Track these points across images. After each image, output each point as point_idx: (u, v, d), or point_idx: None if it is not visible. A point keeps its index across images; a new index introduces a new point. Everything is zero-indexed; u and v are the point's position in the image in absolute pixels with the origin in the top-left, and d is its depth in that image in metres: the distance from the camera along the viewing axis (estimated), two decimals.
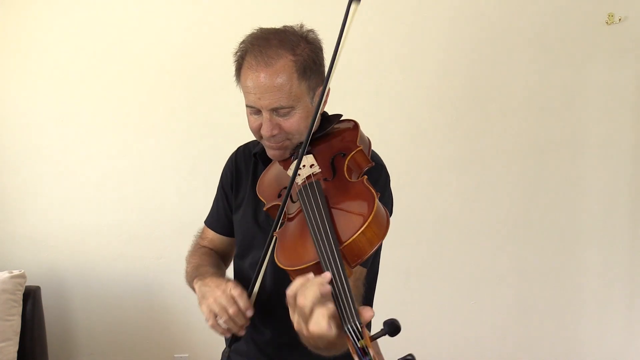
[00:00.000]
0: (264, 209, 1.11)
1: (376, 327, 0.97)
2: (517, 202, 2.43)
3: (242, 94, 1.19)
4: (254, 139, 1.31)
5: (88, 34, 2.39)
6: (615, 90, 2.36)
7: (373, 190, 0.91)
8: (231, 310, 1.04)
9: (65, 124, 2.42)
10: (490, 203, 2.44)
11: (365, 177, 0.98)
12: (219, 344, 1.35)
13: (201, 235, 1.43)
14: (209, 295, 1.08)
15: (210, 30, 2.36)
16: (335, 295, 0.77)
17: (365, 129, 1.20)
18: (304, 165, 1.07)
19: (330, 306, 0.75)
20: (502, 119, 2.40)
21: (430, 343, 2.48)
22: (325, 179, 1.02)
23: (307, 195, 0.97)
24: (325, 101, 1.18)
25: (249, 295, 1.07)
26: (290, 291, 0.80)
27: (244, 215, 1.29)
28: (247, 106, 1.16)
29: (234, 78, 1.18)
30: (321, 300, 0.75)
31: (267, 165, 1.25)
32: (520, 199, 2.43)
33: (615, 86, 2.36)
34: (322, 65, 1.17)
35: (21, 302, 2.09)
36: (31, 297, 2.14)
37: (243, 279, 1.29)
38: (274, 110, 1.11)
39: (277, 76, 1.08)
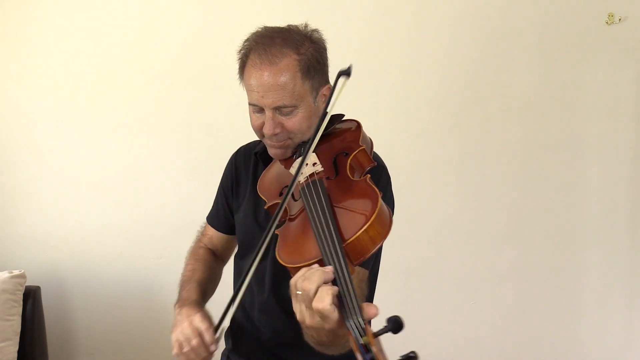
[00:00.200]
0: (265, 207, 1.11)
1: (378, 326, 0.97)
2: (517, 202, 2.43)
3: (242, 94, 1.19)
4: (255, 139, 1.31)
5: (88, 34, 2.39)
6: (615, 90, 2.36)
7: (376, 189, 0.91)
8: (194, 341, 1.06)
9: (65, 124, 2.42)
10: (490, 203, 2.43)
11: (368, 175, 0.98)
12: (220, 345, 1.35)
13: (203, 231, 1.45)
14: (178, 324, 1.12)
15: (211, 30, 2.36)
16: (338, 292, 0.77)
17: (365, 129, 1.20)
18: (306, 164, 1.07)
19: (335, 287, 0.76)
20: (502, 119, 2.40)
21: (430, 343, 2.48)
22: (327, 178, 1.02)
23: (309, 193, 0.97)
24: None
25: (217, 328, 1.08)
26: (294, 279, 0.80)
27: (244, 215, 1.29)
28: (249, 104, 1.16)
29: (237, 76, 1.18)
30: (325, 283, 0.76)
31: (268, 164, 1.25)
32: (520, 198, 2.43)
33: (615, 86, 2.36)
34: (325, 65, 1.18)
35: (21, 302, 2.09)
36: (31, 297, 2.14)
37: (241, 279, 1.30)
38: (277, 109, 1.12)
39: (281, 75, 1.09)
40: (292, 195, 1.02)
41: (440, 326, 2.49)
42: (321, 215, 0.89)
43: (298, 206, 1.00)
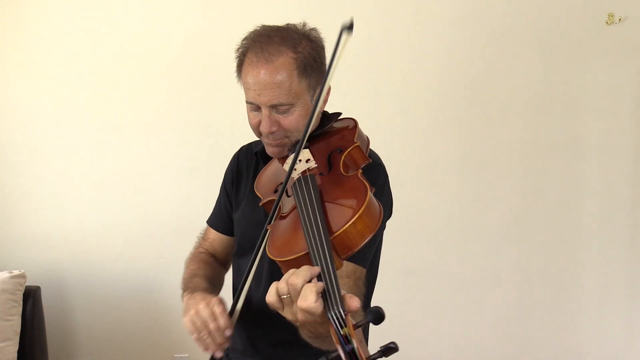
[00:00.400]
0: (260, 204, 1.12)
1: (378, 334, 0.97)
2: (517, 202, 2.43)
3: (242, 95, 1.19)
4: (255, 139, 1.31)
5: (88, 34, 2.39)
6: (615, 90, 2.36)
7: (367, 183, 0.91)
8: (212, 325, 1.03)
9: (65, 124, 2.42)
10: (490, 203, 2.44)
11: (360, 171, 0.98)
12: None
13: (203, 236, 1.44)
14: (193, 307, 1.07)
15: (211, 30, 2.36)
16: (323, 288, 0.77)
17: (365, 129, 1.20)
18: (300, 160, 1.07)
19: (320, 284, 0.76)
20: (502, 119, 2.40)
21: (430, 343, 2.48)
22: (320, 174, 1.03)
23: (300, 188, 0.97)
24: (326, 100, 1.18)
25: (232, 311, 1.06)
26: (278, 286, 0.81)
27: (243, 213, 1.29)
28: (247, 102, 1.16)
29: (235, 75, 1.18)
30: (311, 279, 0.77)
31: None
32: (521, 199, 2.43)
33: (615, 86, 2.36)
34: (323, 64, 1.17)
35: (21, 302, 2.09)
36: (31, 297, 2.14)
37: (240, 277, 1.30)
38: (274, 107, 1.12)
39: (278, 73, 1.09)
40: (286, 191, 1.02)
41: (440, 326, 2.49)
42: (310, 209, 0.90)
43: (290, 203, 1.00)
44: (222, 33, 2.31)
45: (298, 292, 0.77)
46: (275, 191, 1.09)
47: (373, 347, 0.76)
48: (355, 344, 0.70)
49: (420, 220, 2.44)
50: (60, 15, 2.38)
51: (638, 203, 2.41)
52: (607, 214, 2.42)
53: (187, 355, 2.45)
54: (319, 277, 0.78)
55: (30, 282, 2.16)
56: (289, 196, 1.02)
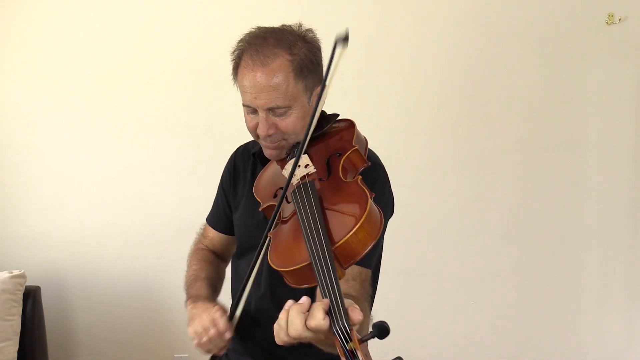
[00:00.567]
0: (260, 209, 1.11)
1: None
2: (517, 202, 2.43)
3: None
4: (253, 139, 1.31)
5: (88, 35, 2.39)
6: (615, 90, 2.36)
7: (367, 191, 0.91)
8: (212, 331, 1.09)
9: (65, 124, 2.42)
10: (490, 203, 2.43)
11: (360, 177, 0.97)
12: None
13: (203, 233, 1.44)
14: (196, 317, 1.13)
15: (212, 30, 2.36)
16: (325, 297, 0.77)
17: (365, 129, 1.20)
18: (299, 165, 1.06)
19: (325, 301, 0.77)
20: (502, 119, 2.40)
21: (430, 343, 2.48)
22: (320, 179, 1.02)
23: (300, 196, 0.96)
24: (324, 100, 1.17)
25: (231, 316, 1.11)
26: (282, 339, 0.83)
27: (242, 215, 1.29)
28: (243, 105, 1.16)
29: (230, 74, 1.18)
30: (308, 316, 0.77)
31: (265, 164, 1.25)
32: (521, 198, 2.43)
33: (615, 86, 2.36)
34: (319, 65, 1.17)
35: (21, 302, 2.09)
36: (31, 297, 2.14)
37: (239, 278, 1.30)
38: (270, 110, 1.11)
39: (274, 76, 1.08)
40: (286, 197, 1.01)
41: (440, 326, 2.49)
42: (311, 217, 0.89)
43: (290, 208, 0.99)
44: (222, 33, 2.30)
45: (305, 333, 0.78)
46: (275, 196, 1.09)
47: (375, 354, 0.76)
48: (360, 357, 0.70)
49: (420, 220, 2.43)
50: (61, 15, 2.38)
51: (638, 203, 2.41)
52: (607, 214, 2.42)
53: (187, 355, 2.45)
54: (322, 292, 0.78)
55: (30, 282, 2.16)
56: (288, 202, 1.01)
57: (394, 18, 2.37)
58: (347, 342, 0.72)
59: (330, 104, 1.21)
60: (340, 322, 0.74)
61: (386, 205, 1.16)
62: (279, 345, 1.24)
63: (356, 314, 0.75)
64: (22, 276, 2.10)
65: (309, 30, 1.17)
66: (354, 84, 2.34)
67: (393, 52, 2.38)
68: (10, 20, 2.37)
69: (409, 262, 2.45)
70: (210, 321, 1.10)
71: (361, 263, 1.06)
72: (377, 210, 0.91)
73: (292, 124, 1.13)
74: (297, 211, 0.94)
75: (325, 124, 1.19)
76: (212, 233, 1.41)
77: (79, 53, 2.39)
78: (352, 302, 0.79)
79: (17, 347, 2.06)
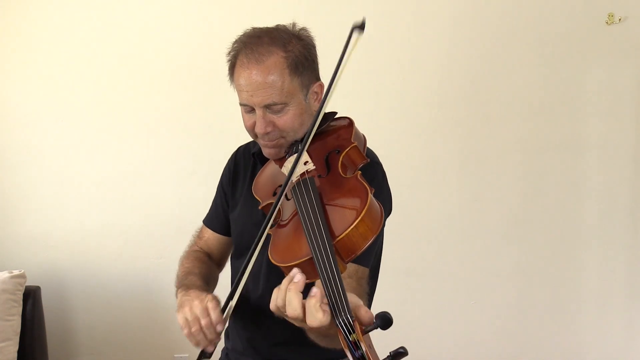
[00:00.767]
0: (259, 207, 1.11)
1: (377, 333, 0.97)
2: (517, 202, 2.43)
3: None
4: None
5: (88, 35, 2.39)
6: (615, 90, 2.36)
7: (367, 185, 0.91)
8: (203, 321, 1.03)
9: (65, 124, 2.42)
10: (490, 203, 2.44)
11: (359, 172, 0.98)
12: (219, 344, 1.35)
13: (199, 235, 1.44)
14: (187, 304, 1.08)
15: (212, 30, 2.37)
16: (327, 290, 0.77)
17: (365, 129, 1.20)
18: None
19: (316, 291, 0.77)
20: (502, 119, 2.40)
21: (430, 343, 2.48)
22: (319, 176, 1.02)
23: (300, 192, 0.97)
24: (320, 99, 1.18)
25: (224, 309, 1.06)
26: (273, 307, 0.82)
27: (240, 214, 1.29)
28: (240, 104, 1.17)
29: (228, 77, 1.18)
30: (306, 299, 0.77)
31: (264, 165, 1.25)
32: (521, 199, 2.43)
33: (615, 86, 2.36)
34: (315, 62, 1.18)
35: (21, 302, 2.09)
36: (31, 297, 2.14)
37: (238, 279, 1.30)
38: (267, 107, 1.12)
39: (269, 73, 1.09)
40: (285, 195, 1.02)
41: (440, 326, 2.49)
42: (311, 213, 0.89)
43: (290, 206, 1.00)
44: (222, 33, 2.30)
45: (303, 319, 0.77)
46: (274, 194, 1.09)
47: (377, 348, 0.76)
48: (364, 349, 0.70)
49: (420, 220, 2.44)
50: (61, 16, 2.38)
51: (638, 203, 2.41)
52: (607, 214, 2.42)
53: (187, 355, 2.45)
54: (324, 285, 0.78)
55: (30, 282, 2.16)
56: (288, 199, 1.01)
57: (394, 18, 2.37)
58: (350, 333, 0.72)
59: (331, 103, 1.21)
60: (343, 314, 0.74)
61: (384, 203, 1.16)
62: (279, 345, 1.25)
63: (367, 313, 0.76)
64: (22, 276, 2.10)
65: (303, 29, 1.18)
66: (354, 84, 2.34)
67: (393, 52, 2.38)
68: (10, 20, 2.37)
69: (409, 262, 2.45)
70: (202, 310, 1.04)
71: (358, 261, 1.07)
72: (378, 205, 0.91)
73: (290, 121, 1.13)
74: (297, 207, 0.94)
75: (323, 122, 1.20)
76: (209, 234, 1.41)
77: (79, 53, 2.39)
78: (360, 301, 0.79)
79: (17, 347, 2.06)
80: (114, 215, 2.44)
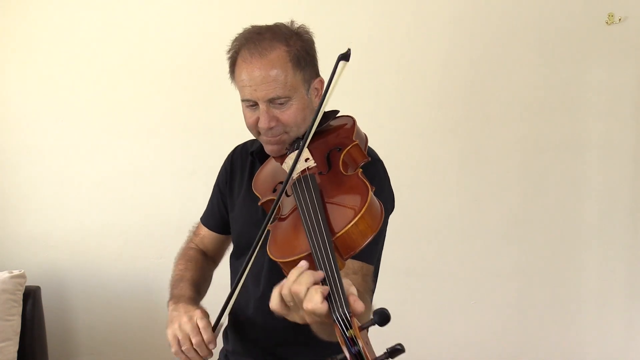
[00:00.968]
0: (259, 203, 1.11)
1: (377, 333, 0.97)
2: (517, 202, 2.43)
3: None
4: (253, 138, 1.31)
5: (88, 35, 2.39)
6: (615, 90, 2.36)
7: (367, 183, 0.91)
8: (194, 340, 1.03)
9: (65, 124, 2.42)
10: (491, 203, 2.43)
11: (360, 170, 0.98)
12: (218, 344, 1.35)
13: (195, 231, 1.45)
14: (176, 320, 1.08)
15: (212, 30, 2.36)
16: (326, 285, 0.77)
17: (365, 129, 1.20)
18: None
19: (325, 287, 0.77)
20: (502, 119, 2.40)
21: (430, 343, 2.48)
22: (320, 173, 1.02)
23: (301, 187, 0.97)
24: (320, 95, 1.18)
25: (216, 326, 1.05)
26: (284, 290, 0.80)
27: (240, 213, 1.29)
28: (242, 101, 1.17)
29: (229, 75, 1.19)
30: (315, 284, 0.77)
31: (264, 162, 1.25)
32: (520, 198, 2.43)
33: (615, 86, 2.36)
34: (315, 58, 1.19)
35: (21, 302, 2.09)
36: (31, 297, 2.14)
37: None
38: (271, 102, 1.12)
39: (272, 67, 1.10)
40: (285, 191, 1.02)
41: (440, 326, 2.49)
42: (311, 209, 0.89)
43: (290, 202, 1.00)
44: (222, 33, 2.30)
45: (302, 299, 0.77)
46: (274, 190, 1.09)
47: (375, 347, 0.76)
48: (361, 345, 0.70)
49: (420, 220, 2.43)
50: (61, 16, 2.38)
51: (638, 203, 2.41)
52: (607, 214, 2.42)
53: None
54: (323, 280, 0.78)
55: (30, 282, 2.16)
56: (288, 196, 1.01)
57: (394, 18, 2.37)
58: (347, 329, 0.72)
59: (331, 103, 1.21)
60: (340, 309, 0.74)
61: (386, 200, 1.17)
62: (279, 345, 1.25)
63: (359, 305, 0.76)
64: (22, 276, 2.10)
65: (301, 26, 1.19)
66: (354, 84, 2.34)
67: (393, 52, 2.38)
68: (10, 20, 2.38)
69: (409, 262, 2.45)
70: (192, 328, 1.04)
71: (363, 258, 1.07)
72: (378, 203, 0.92)
73: (293, 115, 1.14)
74: (297, 202, 0.94)
75: (324, 120, 1.20)
76: (204, 231, 1.41)
77: (79, 53, 2.39)
78: (355, 291, 0.79)
79: (17, 347, 2.06)
80: (114, 215, 2.44)
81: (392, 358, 0.70)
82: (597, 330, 2.47)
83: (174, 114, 2.41)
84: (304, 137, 1.05)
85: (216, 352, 1.36)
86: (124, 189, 2.43)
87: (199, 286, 1.30)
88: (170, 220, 2.42)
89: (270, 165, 1.20)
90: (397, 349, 0.70)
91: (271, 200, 1.06)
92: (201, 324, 1.04)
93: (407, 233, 2.41)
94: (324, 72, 1.21)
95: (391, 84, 2.39)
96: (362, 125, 1.19)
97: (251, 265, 1.02)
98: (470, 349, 2.50)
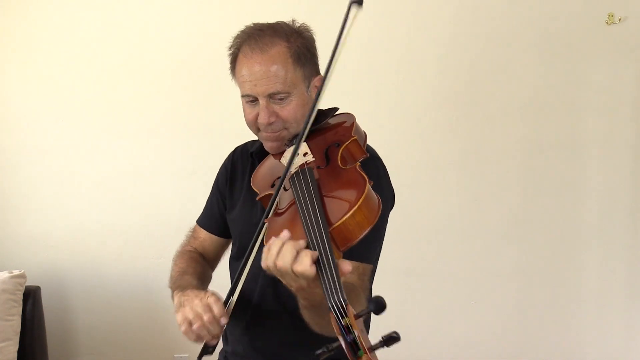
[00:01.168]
0: (257, 198, 1.11)
1: (376, 327, 0.97)
2: (517, 202, 2.43)
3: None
4: (253, 139, 1.31)
5: (88, 35, 2.39)
6: (615, 90, 2.36)
7: (365, 176, 0.92)
8: (206, 317, 1.01)
9: (65, 125, 2.42)
10: (490, 203, 2.43)
11: (358, 163, 0.98)
12: (218, 344, 1.35)
13: (192, 235, 1.43)
14: (187, 303, 1.06)
15: (212, 30, 2.36)
16: (321, 273, 0.78)
17: (365, 129, 1.20)
18: (297, 154, 1.07)
19: (315, 252, 0.79)
20: (502, 119, 2.40)
21: (430, 343, 2.48)
22: (318, 167, 1.02)
23: (298, 180, 0.97)
24: (317, 86, 1.18)
25: (226, 302, 1.05)
26: (269, 261, 0.83)
27: (240, 214, 1.28)
28: (242, 97, 1.17)
29: (229, 73, 1.19)
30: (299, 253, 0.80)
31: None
32: (520, 198, 2.43)
33: (615, 86, 2.36)
34: (315, 56, 1.19)
35: (21, 302, 2.09)
36: (31, 297, 2.14)
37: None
38: (271, 97, 1.12)
39: (273, 62, 1.11)
40: (283, 185, 1.02)
41: (440, 326, 2.49)
42: (308, 201, 0.90)
43: (288, 196, 1.00)
44: (222, 33, 2.30)
45: (289, 269, 0.79)
46: (272, 185, 1.09)
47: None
48: (356, 333, 0.70)
49: (420, 220, 2.43)
50: (61, 16, 2.38)
51: (638, 203, 2.41)
52: (607, 214, 2.42)
53: (187, 355, 2.45)
54: (318, 267, 0.79)
55: (30, 282, 2.16)
56: (286, 190, 1.02)
57: (393, 18, 2.37)
58: (342, 317, 0.72)
59: (330, 103, 1.21)
60: (335, 296, 0.74)
61: (386, 198, 1.17)
62: (280, 345, 1.24)
63: (345, 264, 0.79)
64: (22, 276, 2.10)
65: (303, 25, 1.20)
66: (353, 84, 2.34)
67: (393, 51, 2.38)
68: (10, 20, 2.38)
69: (409, 262, 2.45)
70: (203, 306, 1.02)
71: (361, 258, 1.07)
72: (376, 196, 0.92)
73: (293, 111, 1.14)
74: (295, 195, 0.94)
75: (323, 118, 1.20)
76: (204, 234, 1.40)
77: (79, 53, 2.39)
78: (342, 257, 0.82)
79: (17, 347, 2.06)
80: (114, 215, 2.44)
81: (387, 346, 0.70)
82: (597, 330, 2.47)
83: (174, 114, 2.41)
84: (302, 128, 1.05)
85: (216, 352, 1.36)
86: (124, 189, 2.43)
87: (203, 280, 1.29)
88: (170, 220, 2.42)
89: (269, 161, 1.20)
90: (393, 337, 0.70)
91: (269, 195, 1.06)
92: (212, 299, 1.04)
93: (407, 233, 2.41)
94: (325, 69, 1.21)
95: (391, 84, 2.39)
96: (362, 125, 1.19)
97: (251, 264, 1.02)
98: (470, 349, 2.50)
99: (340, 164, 1.01)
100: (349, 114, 1.21)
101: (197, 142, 2.42)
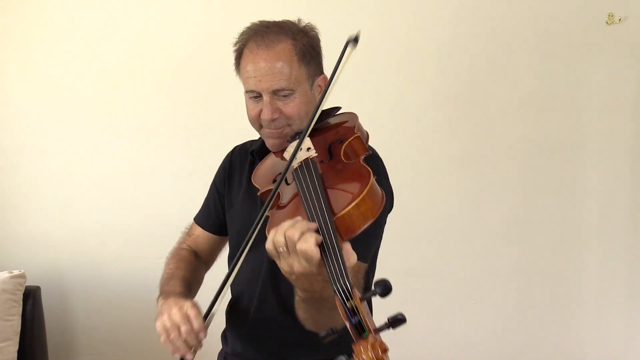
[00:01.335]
0: (258, 193, 1.12)
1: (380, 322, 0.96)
2: (517, 202, 2.43)
3: (242, 95, 1.20)
4: (251, 138, 1.31)
5: (88, 35, 2.39)
6: (615, 90, 2.36)
7: (369, 168, 0.92)
8: (183, 328, 1.00)
9: (65, 125, 2.42)
10: (491, 203, 2.43)
11: (362, 157, 0.99)
12: (218, 344, 1.35)
13: (188, 232, 1.44)
14: (165, 311, 1.05)
15: (210, 31, 2.37)
16: (326, 257, 0.79)
17: (365, 129, 1.20)
18: (300, 149, 1.07)
19: (319, 236, 0.80)
20: (501, 119, 2.40)
21: (430, 343, 2.48)
22: (321, 162, 1.03)
23: (302, 173, 0.98)
24: (321, 90, 1.19)
25: (206, 315, 1.03)
26: (276, 235, 0.83)
27: (239, 212, 1.29)
28: (246, 92, 1.17)
29: (234, 69, 1.19)
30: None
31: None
32: (520, 198, 2.43)
33: (615, 86, 2.36)
34: (320, 55, 1.21)
35: (21, 302, 2.09)
36: (31, 297, 2.15)
37: (238, 279, 1.29)
38: (275, 93, 1.13)
39: (278, 58, 1.11)
40: (285, 179, 1.02)
41: (440, 326, 2.49)
42: (312, 192, 0.90)
43: (291, 190, 1.00)
44: (223, 33, 2.30)
45: (294, 244, 0.80)
46: (274, 181, 1.09)
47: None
48: (362, 315, 0.70)
49: (420, 220, 2.43)
50: (61, 16, 2.38)
51: (638, 203, 2.41)
52: (607, 214, 2.42)
53: None
54: (323, 252, 0.80)
55: (30, 282, 2.16)
56: (288, 184, 1.02)
57: (394, 18, 2.37)
58: (347, 299, 0.73)
59: (331, 103, 1.21)
60: (341, 279, 0.75)
61: (385, 197, 1.17)
62: (281, 345, 1.24)
63: (350, 252, 0.80)
64: (22, 276, 2.10)
65: (308, 24, 1.21)
66: (353, 84, 2.33)
67: (393, 52, 2.38)
68: (10, 20, 2.38)
69: (409, 262, 2.44)
70: (181, 317, 1.01)
71: (357, 255, 1.07)
72: (379, 189, 0.92)
73: (297, 108, 1.14)
74: (298, 187, 0.95)
75: (325, 116, 1.21)
76: (198, 231, 1.41)
77: (79, 53, 2.39)
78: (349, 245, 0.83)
79: (17, 347, 2.06)
80: (114, 215, 2.44)
81: (393, 328, 0.71)
82: (597, 330, 2.47)
83: (174, 114, 2.41)
84: (306, 125, 1.06)
85: (215, 353, 1.37)
86: (124, 189, 2.43)
87: (190, 286, 1.27)
88: (170, 220, 2.41)
89: (271, 159, 1.21)
90: (399, 319, 0.71)
91: (271, 190, 1.06)
92: (191, 312, 1.02)
93: (407, 233, 2.41)
94: (327, 69, 1.21)
95: (391, 84, 2.39)
96: (362, 125, 1.19)
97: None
98: (470, 349, 2.50)
99: (343, 158, 1.02)
100: (351, 113, 1.22)
101: (197, 142, 2.42)
